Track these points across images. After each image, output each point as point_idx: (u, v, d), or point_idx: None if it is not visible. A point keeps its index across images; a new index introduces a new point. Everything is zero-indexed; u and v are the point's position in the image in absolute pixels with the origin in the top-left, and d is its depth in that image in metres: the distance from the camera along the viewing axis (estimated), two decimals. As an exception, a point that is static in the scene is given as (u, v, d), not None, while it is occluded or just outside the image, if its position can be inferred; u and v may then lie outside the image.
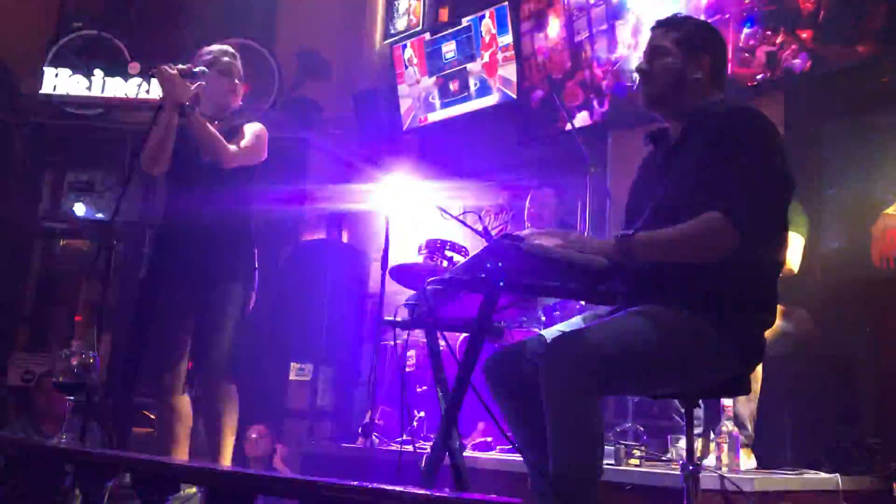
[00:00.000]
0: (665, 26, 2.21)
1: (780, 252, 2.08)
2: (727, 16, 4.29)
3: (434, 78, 5.83)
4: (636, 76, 2.24)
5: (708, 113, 2.09)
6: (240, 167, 3.10)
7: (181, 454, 3.05)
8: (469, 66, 5.62)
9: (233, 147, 3.06)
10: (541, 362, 1.86)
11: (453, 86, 5.73)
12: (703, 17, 4.35)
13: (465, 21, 5.63)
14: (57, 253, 6.64)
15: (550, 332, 2.14)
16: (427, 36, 5.89)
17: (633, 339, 1.89)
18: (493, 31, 5.47)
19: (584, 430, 1.80)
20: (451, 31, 5.73)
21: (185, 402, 3.08)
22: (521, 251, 1.73)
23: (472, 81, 5.63)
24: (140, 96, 6.13)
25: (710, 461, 2.91)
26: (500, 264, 1.73)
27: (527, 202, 4.38)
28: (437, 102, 5.83)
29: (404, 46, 6.01)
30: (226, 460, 2.99)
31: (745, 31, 4.22)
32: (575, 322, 2.18)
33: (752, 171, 1.93)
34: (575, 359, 1.82)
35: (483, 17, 5.52)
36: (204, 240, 3.07)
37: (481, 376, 2.14)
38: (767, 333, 3.05)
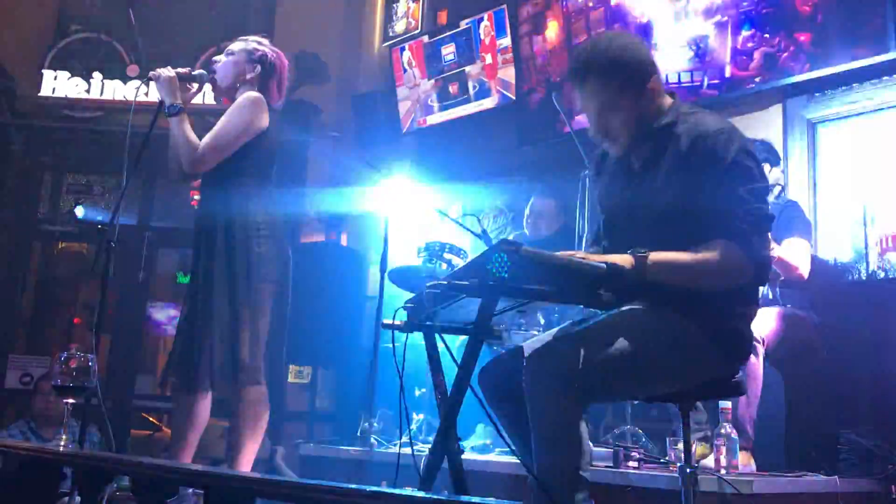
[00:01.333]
0: (580, 85, 2.11)
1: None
2: (725, 18, 4.30)
3: (433, 80, 5.84)
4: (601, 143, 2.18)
5: (673, 128, 2.06)
6: (228, 165, 3.00)
7: (184, 455, 3.02)
8: (468, 68, 5.63)
9: (196, 152, 2.93)
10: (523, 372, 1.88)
11: (452, 88, 5.74)
12: (700, 18, 4.36)
13: (463, 24, 5.64)
14: (55, 255, 6.64)
15: (540, 339, 2.15)
16: (426, 39, 5.90)
17: (613, 345, 1.90)
18: (492, 33, 5.48)
19: (565, 438, 1.81)
20: (449, 33, 5.74)
21: (192, 403, 3.01)
22: (519, 255, 1.74)
23: (471, 84, 5.63)
24: (139, 99, 6.13)
25: (708, 463, 2.91)
26: (498, 268, 1.74)
27: (527, 209, 4.37)
28: (436, 105, 5.83)
29: (403, 49, 6.02)
30: (241, 465, 2.94)
31: (744, 33, 4.22)
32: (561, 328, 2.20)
33: (750, 194, 1.95)
34: (553, 368, 1.83)
35: (481, 19, 5.53)
36: (203, 242, 3.06)
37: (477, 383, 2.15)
38: (768, 336, 3.08)
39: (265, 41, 3.21)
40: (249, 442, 2.95)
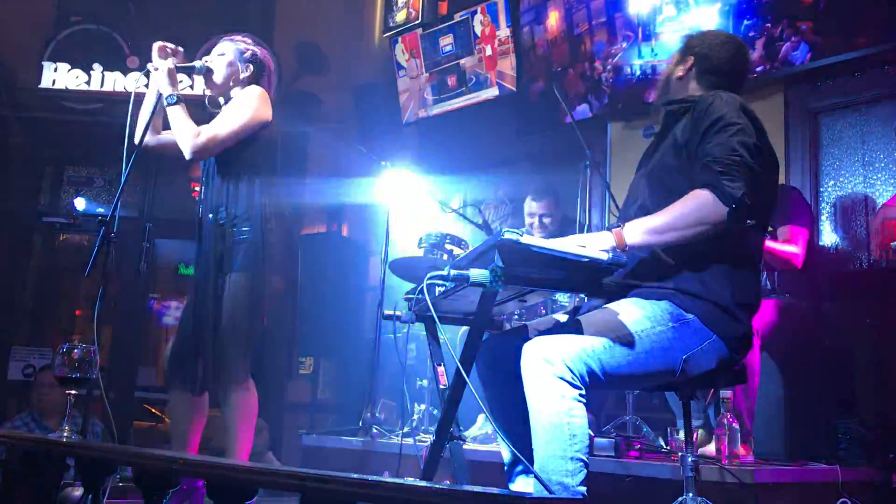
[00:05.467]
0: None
1: (761, 234, 2.14)
2: (727, 7, 4.28)
3: (433, 71, 5.83)
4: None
5: (688, 100, 2.19)
6: (232, 156, 2.99)
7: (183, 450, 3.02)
8: (467, 59, 5.61)
9: (197, 139, 2.92)
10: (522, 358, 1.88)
11: (452, 79, 5.73)
12: (702, 6, 4.35)
13: (457, 17, 5.63)
14: (57, 247, 6.65)
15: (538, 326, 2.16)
16: (421, 31, 5.88)
17: (613, 335, 1.91)
18: (490, 24, 5.46)
19: (565, 424, 1.81)
20: (448, 24, 5.72)
21: (186, 400, 3.01)
22: (520, 244, 1.74)
23: (470, 75, 5.62)
24: (139, 90, 6.12)
25: (709, 452, 2.92)
26: (499, 257, 1.74)
27: (525, 207, 4.34)
28: (437, 96, 5.82)
29: (399, 40, 6.00)
30: (239, 457, 2.94)
31: (745, 22, 4.21)
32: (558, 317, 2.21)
33: (731, 147, 1.96)
34: (553, 354, 1.83)
35: (475, 12, 5.51)
36: (205, 234, 3.05)
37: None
38: (765, 328, 3.08)
39: (250, 39, 3.22)
40: (244, 434, 2.95)
